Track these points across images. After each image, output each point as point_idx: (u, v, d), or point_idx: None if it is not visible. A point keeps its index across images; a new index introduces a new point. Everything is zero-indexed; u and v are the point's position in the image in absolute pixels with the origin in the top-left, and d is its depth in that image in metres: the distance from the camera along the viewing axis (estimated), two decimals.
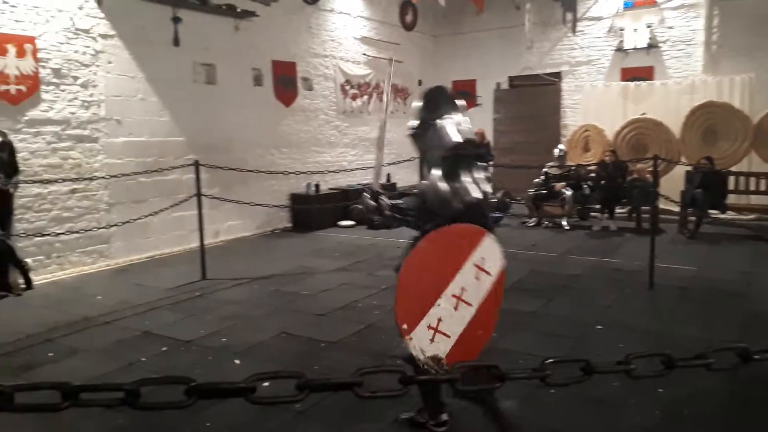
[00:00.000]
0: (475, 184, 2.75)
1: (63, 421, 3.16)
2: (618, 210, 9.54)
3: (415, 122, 2.92)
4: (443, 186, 2.72)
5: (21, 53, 6.34)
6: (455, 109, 2.88)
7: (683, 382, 3.47)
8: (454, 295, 2.13)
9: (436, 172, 2.76)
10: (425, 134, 2.89)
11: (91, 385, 0.84)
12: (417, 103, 2.96)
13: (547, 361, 1.09)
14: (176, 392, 1.15)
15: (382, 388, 1.03)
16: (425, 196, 2.83)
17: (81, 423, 3.20)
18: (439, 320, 2.07)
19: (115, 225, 6.76)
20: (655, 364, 1.20)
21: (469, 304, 2.16)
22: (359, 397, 0.99)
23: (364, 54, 11.50)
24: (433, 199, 2.78)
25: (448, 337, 2.06)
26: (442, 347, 2.00)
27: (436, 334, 2.03)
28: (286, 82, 9.75)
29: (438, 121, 2.83)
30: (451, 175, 2.74)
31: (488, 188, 2.79)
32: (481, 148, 2.53)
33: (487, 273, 2.23)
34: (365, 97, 11.60)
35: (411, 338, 1.96)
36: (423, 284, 2.12)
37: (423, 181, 2.88)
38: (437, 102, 2.87)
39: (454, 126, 2.79)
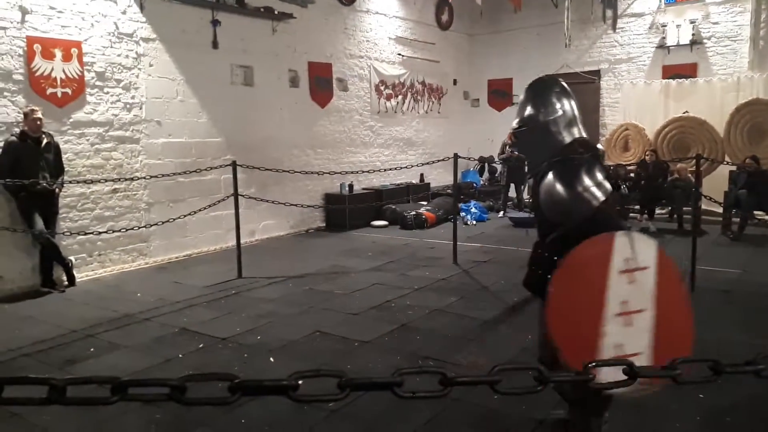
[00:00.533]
0: (597, 187, 2.42)
1: (103, 415, 3.26)
2: (658, 211, 9.32)
3: (517, 121, 2.66)
4: (561, 193, 2.42)
5: (67, 57, 6.54)
6: (568, 98, 2.60)
7: (725, 389, 3.37)
8: (617, 314, 1.94)
9: (549, 179, 2.46)
10: (530, 136, 2.63)
11: (140, 380, 0.86)
12: (521, 99, 2.70)
13: (591, 365, 1.07)
14: (216, 388, 1.17)
15: (421, 389, 1.03)
16: (544, 207, 2.53)
17: (121, 417, 3.28)
18: (619, 346, 1.89)
19: (155, 224, 6.92)
20: (702, 369, 1.17)
21: (642, 310, 1.97)
22: (399, 398, 0.99)
23: (399, 54, 11.51)
24: (551, 210, 2.48)
25: (640, 354, 1.90)
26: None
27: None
28: (321, 83, 9.82)
29: (544, 119, 2.55)
30: (568, 180, 2.43)
31: (608, 187, 2.45)
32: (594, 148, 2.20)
33: (642, 269, 2.01)
34: (399, 97, 11.61)
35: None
36: (579, 325, 1.93)
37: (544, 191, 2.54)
38: (544, 97, 2.60)
39: (563, 126, 2.53)
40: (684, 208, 8.86)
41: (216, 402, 0.91)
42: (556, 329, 1.95)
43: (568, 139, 2.55)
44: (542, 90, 2.62)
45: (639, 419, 3.20)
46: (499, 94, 13.27)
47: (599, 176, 2.46)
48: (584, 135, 2.62)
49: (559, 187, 2.42)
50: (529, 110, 2.60)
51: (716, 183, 8.84)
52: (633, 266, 2.00)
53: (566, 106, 2.59)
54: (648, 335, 1.93)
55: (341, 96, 10.29)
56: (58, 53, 6.47)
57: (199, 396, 0.94)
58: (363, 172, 8.66)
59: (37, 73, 6.32)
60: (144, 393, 0.87)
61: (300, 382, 0.95)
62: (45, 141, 5.98)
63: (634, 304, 1.95)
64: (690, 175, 8.40)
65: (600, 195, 2.40)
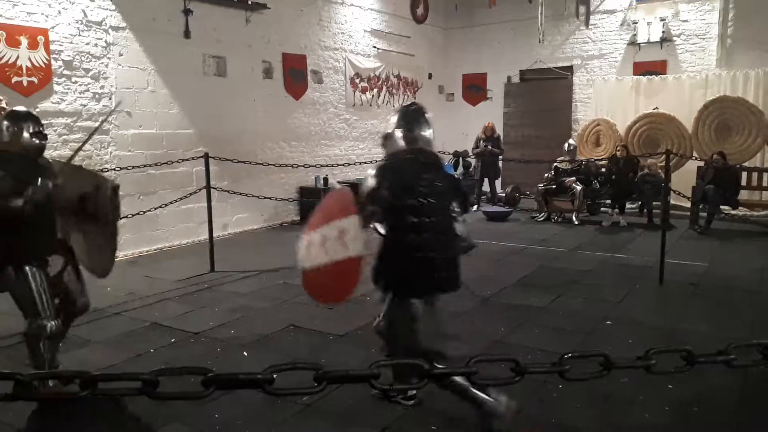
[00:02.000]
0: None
1: (74, 410, 3.18)
2: (629, 205, 9.48)
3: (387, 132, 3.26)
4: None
5: (33, 45, 6.35)
6: (427, 125, 3.24)
7: (693, 379, 3.45)
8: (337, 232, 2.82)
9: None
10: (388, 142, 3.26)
11: (110, 374, 0.84)
12: (393, 118, 3.28)
13: (566, 356, 1.08)
14: (189, 383, 1.15)
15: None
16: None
17: (92, 412, 3.21)
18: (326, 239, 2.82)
19: (125, 217, 6.75)
20: (674, 360, 1.18)
21: (347, 248, 2.80)
22: (377, 390, 0.98)
23: (374, 47, 11.46)
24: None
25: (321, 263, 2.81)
26: (315, 259, 2.82)
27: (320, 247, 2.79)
28: (296, 74, 9.73)
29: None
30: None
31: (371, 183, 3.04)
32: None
33: (345, 246, 2.78)
34: (375, 91, 11.56)
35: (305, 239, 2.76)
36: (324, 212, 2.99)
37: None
38: (410, 121, 3.21)
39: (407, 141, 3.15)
40: (654, 203, 9.03)
41: (189, 396, 0.89)
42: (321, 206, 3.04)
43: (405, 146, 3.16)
44: (411, 116, 3.25)
45: (607, 409, 3.25)
46: (474, 88, 13.32)
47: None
48: (423, 148, 3.18)
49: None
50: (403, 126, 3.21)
51: (685, 178, 9.04)
52: (344, 237, 2.79)
53: (427, 128, 3.25)
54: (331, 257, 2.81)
55: (316, 88, 10.21)
56: (24, 41, 6.28)
57: (172, 390, 0.92)
58: (338, 165, 8.62)
59: (2, 61, 6.12)
60: (115, 388, 0.85)
61: (275, 375, 0.94)
62: None
63: (345, 241, 2.81)
64: (660, 170, 8.56)
65: (371, 183, 3.01)
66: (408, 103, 3.37)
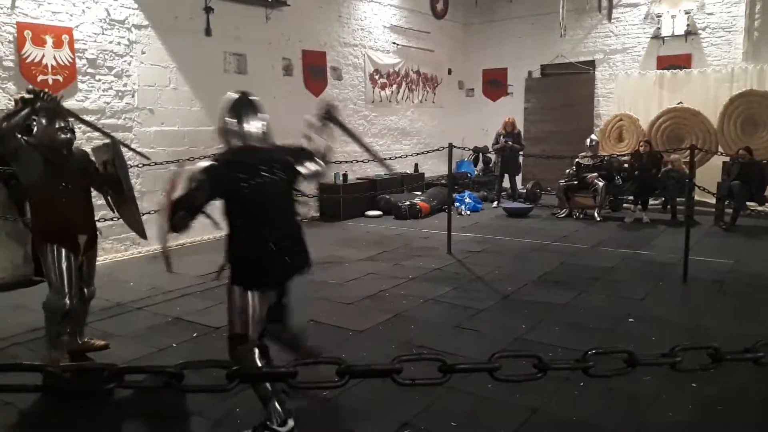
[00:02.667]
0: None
1: (98, 404, 3.24)
2: (652, 201, 9.35)
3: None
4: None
5: (58, 44, 6.46)
6: (256, 117, 3.15)
7: (718, 378, 3.40)
8: None
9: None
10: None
11: (137, 367, 0.85)
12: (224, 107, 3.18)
13: (590, 352, 1.07)
14: (212, 377, 1.16)
15: (420, 377, 1.02)
16: None
17: (116, 406, 3.27)
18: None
19: (148, 213, 6.86)
20: (700, 357, 1.17)
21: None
22: (399, 385, 0.98)
23: (393, 43, 11.44)
24: None
25: None
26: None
27: None
28: (315, 71, 9.76)
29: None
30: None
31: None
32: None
33: None
34: (394, 87, 11.55)
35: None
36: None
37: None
38: (239, 113, 3.13)
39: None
40: (677, 199, 8.89)
41: (214, 389, 0.90)
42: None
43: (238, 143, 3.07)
44: (239, 104, 3.16)
45: (630, 408, 3.22)
46: (494, 83, 13.23)
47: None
48: (249, 143, 3.08)
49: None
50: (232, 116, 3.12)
51: (710, 174, 8.87)
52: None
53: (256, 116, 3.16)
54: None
55: (335, 85, 10.22)
56: (49, 40, 6.39)
57: (196, 384, 0.93)
58: (357, 161, 8.62)
59: (28, 60, 6.24)
60: (141, 380, 0.86)
61: (298, 369, 0.94)
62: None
63: None
64: (684, 165, 8.42)
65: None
66: (235, 90, 3.22)
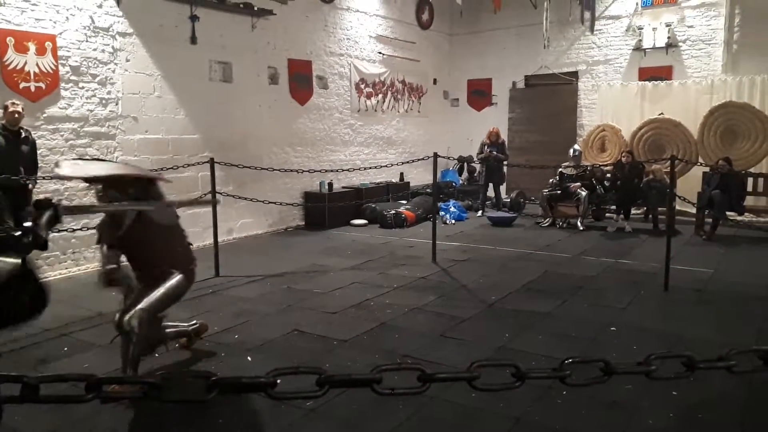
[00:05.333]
0: None
1: (76, 415, 3.20)
2: (634, 211, 9.46)
3: None
4: None
5: (41, 51, 6.42)
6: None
7: (698, 386, 3.45)
8: None
9: None
10: None
11: (116, 377, 0.85)
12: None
13: (567, 361, 1.09)
14: (195, 387, 1.16)
15: (400, 386, 1.03)
16: None
17: (95, 417, 3.23)
18: None
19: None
20: (676, 365, 1.19)
21: None
22: (378, 394, 0.99)
23: (379, 53, 11.50)
24: None
25: None
26: None
27: None
28: (301, 80, 9.78)
29: None
30: None
31: None
32: None
33: None
34: (380, 96, 11.60)
35: None
36: None
37: None
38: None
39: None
40: (659, 209, 9.01)
41: (193, 400, 0.90)
42: None
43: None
44: None
45: (612, 416, 3.25)
46: (479, 93, 13.35)
47: None
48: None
49: None
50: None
51: (690, 184, 9.01)
52: None
53: None
54: None
55: (321, 94, 10.25)
56: (32, 47, 6.34)
57: (176, 394, 0.93)
58: (343, 170, 8.63)
59: (10, 67, 6.18)
60: (122, 391, 0.86)
61: (278, 379, 0.95)
62: (23, 135, 5.88)
63: None
64: (665, 175, 8.54)
65: None
66: None
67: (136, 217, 3.60)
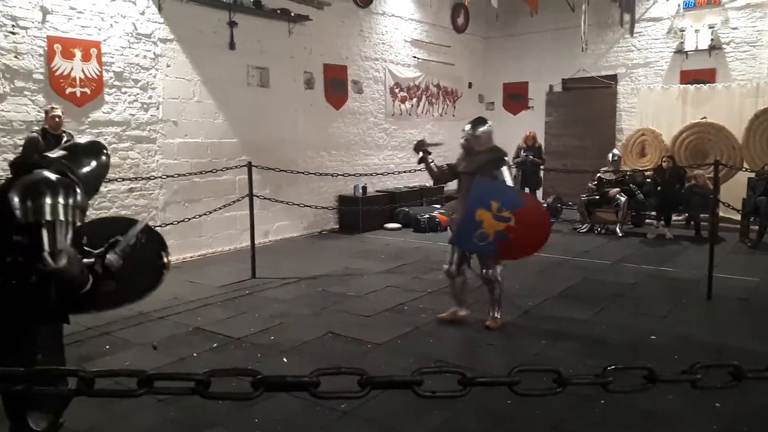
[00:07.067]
0: None
1: (119, 411, 3.29)
2: (675, 217, 9.23)
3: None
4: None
5: (86, 57, 6.63)
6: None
7: (743, 398, 3.34)
8: None
9: None
10: None
11: (166, 373, 0.88)
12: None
13: (609, 368, 1.07)
14: (235, 386, 1.18)
15: (440, 389, 1.03)
16: None
17: (137, 413, 3.31)
18: None
19: (170, 223, 6.97)
20: (722, 375, 1.16)
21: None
22: (419, 396, 0.99)
23: (414, 57, 11.51)
24: None
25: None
26: None
27: None
28: (336, 85, 9.86)
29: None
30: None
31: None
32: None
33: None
34: (414, 100, 11.60)
35: None
36: None
37: None
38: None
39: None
40: (701, 215, 8.77)
41: (240, 397, 0.92)
42: None
43: None
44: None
45: (650, 427, 3.17)
46: (515, 97, 13.22)
47: None
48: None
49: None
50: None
51: (735, 190, 8.74)
52: None
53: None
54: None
55: (356, 98, 10.31)
56: (78, 53, 6.56)
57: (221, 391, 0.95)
58: (377, 174, 8.67)
59: (57, 73, 6.41)
60: (170, 387, 0.88)
61: (320, 379, 0.96)
62: (65, 139, 6.06)
63: None
64: (708, 181, 8.31)
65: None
66: None
67: None
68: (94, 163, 2.64)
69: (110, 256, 2.42)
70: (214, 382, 1.03)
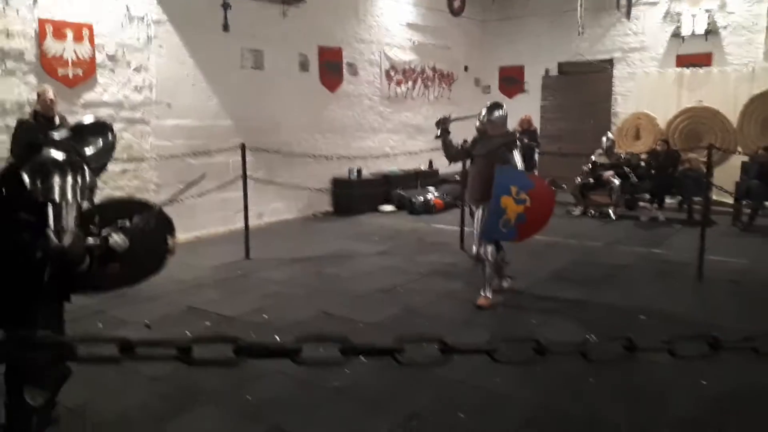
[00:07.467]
0: None
1: (109, 388, 3.32)
2: (668, 200, 9.27)
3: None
4: None
5: (78, 38, 6.57)
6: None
7: (728, 376, 3.39)
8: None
9: None
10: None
11: (147, 340, 0.89)
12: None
13: (589, 337, 1.09)
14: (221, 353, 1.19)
15: (422, 356, 1.05)
16: None
17: (127, 391, 3.34)
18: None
19: (164, 205, 6.95)
20: (702, 347, 1.18)
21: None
22: (400, 364, 1.01)
23: (409, 40, 11.44)
24: None
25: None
26: None
27: None
28: (331, 67, 9.80)
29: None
30: None
31: None
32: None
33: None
34: (410, 83, 11.55)
35: None
36: None
37: None
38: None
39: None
40: (694, 198, 8.81)
41: (221, 363, 0.93)
42: None
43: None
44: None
45: (638, 404, 3.21)
46: (511, 81, 13.18)
47: None
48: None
49: None
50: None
51: (728, 173, 8.76)
52: None
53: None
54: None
55: (351, 81, 10.26)
56: (70, 34, 6.49)
57: (205, 357, 0.97)
58: (371, 157, 8.67)
59: (49, 54, 6.35)
60: (151, 353, 0.90)
61: (303, 346, 0.97)
62: (57, 121, 6.02)
63: None
64: (701, 164, 8.33)
65: None
66: None
67: None
68: (100, 143, 2.71)
69: (116, 238, 2.45)
70: (199, 352, 1.04)
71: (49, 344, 0.92)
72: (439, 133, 5.32)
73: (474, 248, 5.00)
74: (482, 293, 4.90)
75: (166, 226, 2.92)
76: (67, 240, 2.18)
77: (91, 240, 2.37)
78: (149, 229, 2.71)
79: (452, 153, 5.34)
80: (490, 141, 4.97)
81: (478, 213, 4.95)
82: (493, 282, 4.98)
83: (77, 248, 2.25)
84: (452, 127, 5.41)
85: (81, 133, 2.67)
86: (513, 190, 4.52)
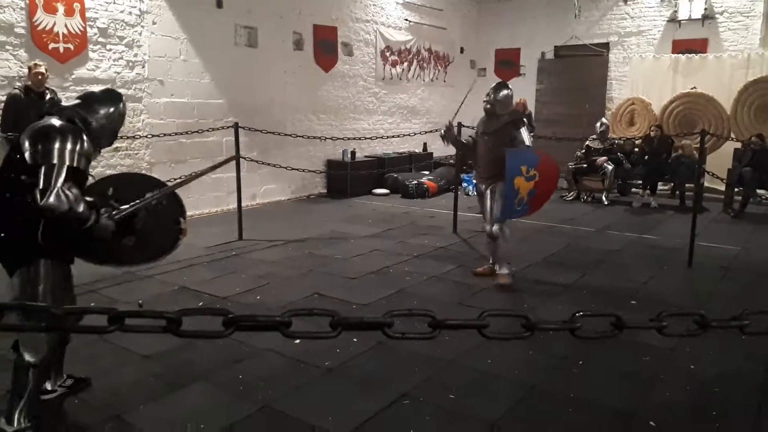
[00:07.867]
0: None
1: (103, 367, 3.32)
2: (661, 186, 9.30)
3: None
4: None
5: (70, 12, 6.47)
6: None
7: (717, 362, 3.43)
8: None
9: None
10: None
11: (136, 311, 0.88)
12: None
13: (578, 314, 1.09)
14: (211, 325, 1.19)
15: (411, 331, 1.05)
16: None
17: (120, 369, 3.34)
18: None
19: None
20: (688, 324, 1.19)
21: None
22: (389, 338, 1.01)
23: (405, 20, 11.34)
24: None
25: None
26: None
27: None
28: (326, 46, 9.71)
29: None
30: None
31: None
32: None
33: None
34: (405, 64, 11.48)
35: None
36: None
37: None
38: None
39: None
40: (687, 185, 8.84)
41: (210, 335, 0.93)
42: None
43: None
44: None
45: (627, 387, 3.25)
46: (507, 64, 13.11)
47: None
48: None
49: None
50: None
51: (721, 160, 8.79)
52: None
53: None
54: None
55: (346, 61, 10.18)
56: (61, 7, 6.39)
57: (195, 329, 0.97)
58: (366, 138, 8.63)
59: (39, 27, 6.25)
60: (141, 325, 0.89)
61: (292, 319, 0.97)
62: (48, 96, 5.95)
63: None
64: (694, 151, 8.35)
65: None
66: None
67: None
68: (109, 111, 2.79)
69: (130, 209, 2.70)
70: (189, 325, 1.04)
71: (33, 310, 0.93)
72: (450, 145, 5.45)
73: (487, 227, 5.10)
74: (500, 271, 5.06)
75: (177, 207, 3.08)
76: (50, 200, 2.28)
77: (103, 210, 2.57)
78: (161, 208, 2.91)
79: (467, 149, 5.49)
80: (498, 119, 5.06)
81: (488, 192, 5.05)
82: (502, 260, 5.08)
83: (64, 206, 2.33)
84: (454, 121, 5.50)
85: (89, 101, 2.76)
86: (523, 170, 4.63)
